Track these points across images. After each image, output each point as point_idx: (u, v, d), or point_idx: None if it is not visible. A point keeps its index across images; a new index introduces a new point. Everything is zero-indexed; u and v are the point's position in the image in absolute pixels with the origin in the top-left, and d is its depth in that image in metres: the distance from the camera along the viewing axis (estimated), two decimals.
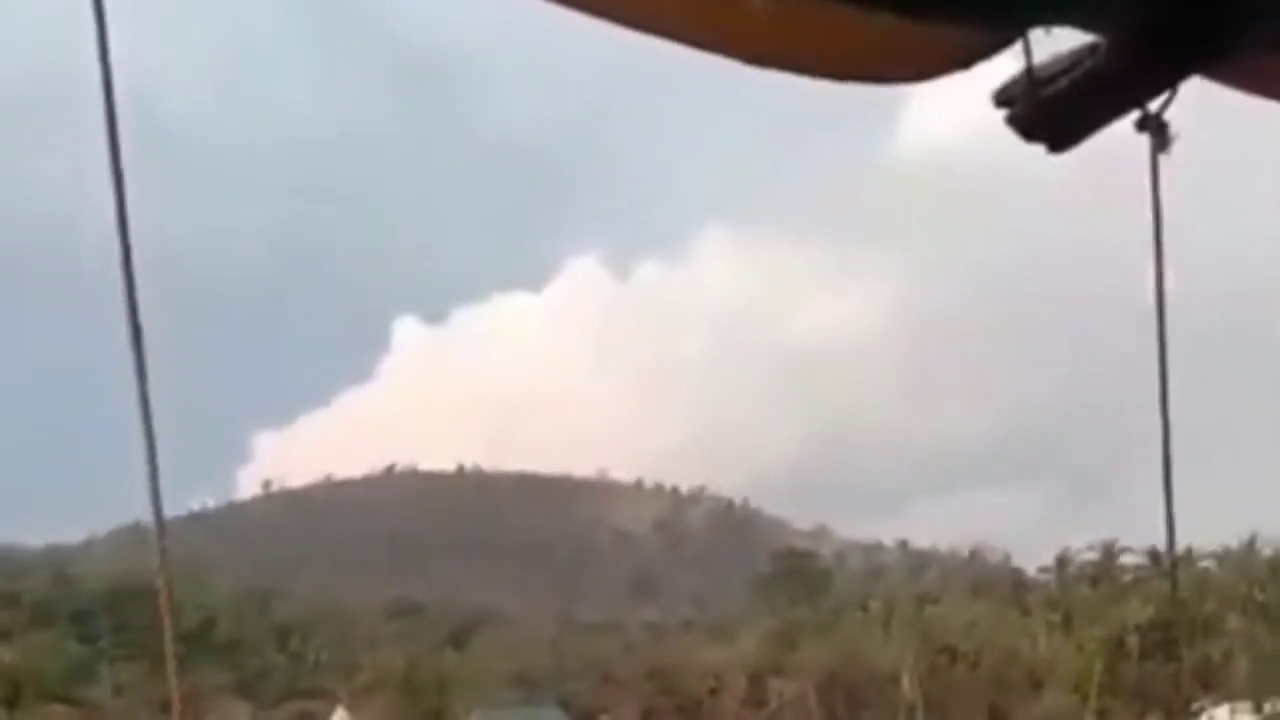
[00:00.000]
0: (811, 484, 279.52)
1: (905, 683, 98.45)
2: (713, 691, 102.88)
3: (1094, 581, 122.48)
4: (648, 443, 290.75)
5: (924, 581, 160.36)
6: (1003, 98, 4.11)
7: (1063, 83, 4.01)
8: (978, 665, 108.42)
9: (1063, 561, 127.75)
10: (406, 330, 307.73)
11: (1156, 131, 4.12)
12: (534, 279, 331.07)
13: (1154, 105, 4.12)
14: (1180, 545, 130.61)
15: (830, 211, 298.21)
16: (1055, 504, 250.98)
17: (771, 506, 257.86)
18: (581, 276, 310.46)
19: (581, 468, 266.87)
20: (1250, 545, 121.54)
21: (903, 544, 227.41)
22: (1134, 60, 3.99)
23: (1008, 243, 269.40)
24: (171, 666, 3.87)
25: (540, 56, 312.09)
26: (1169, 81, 4.09)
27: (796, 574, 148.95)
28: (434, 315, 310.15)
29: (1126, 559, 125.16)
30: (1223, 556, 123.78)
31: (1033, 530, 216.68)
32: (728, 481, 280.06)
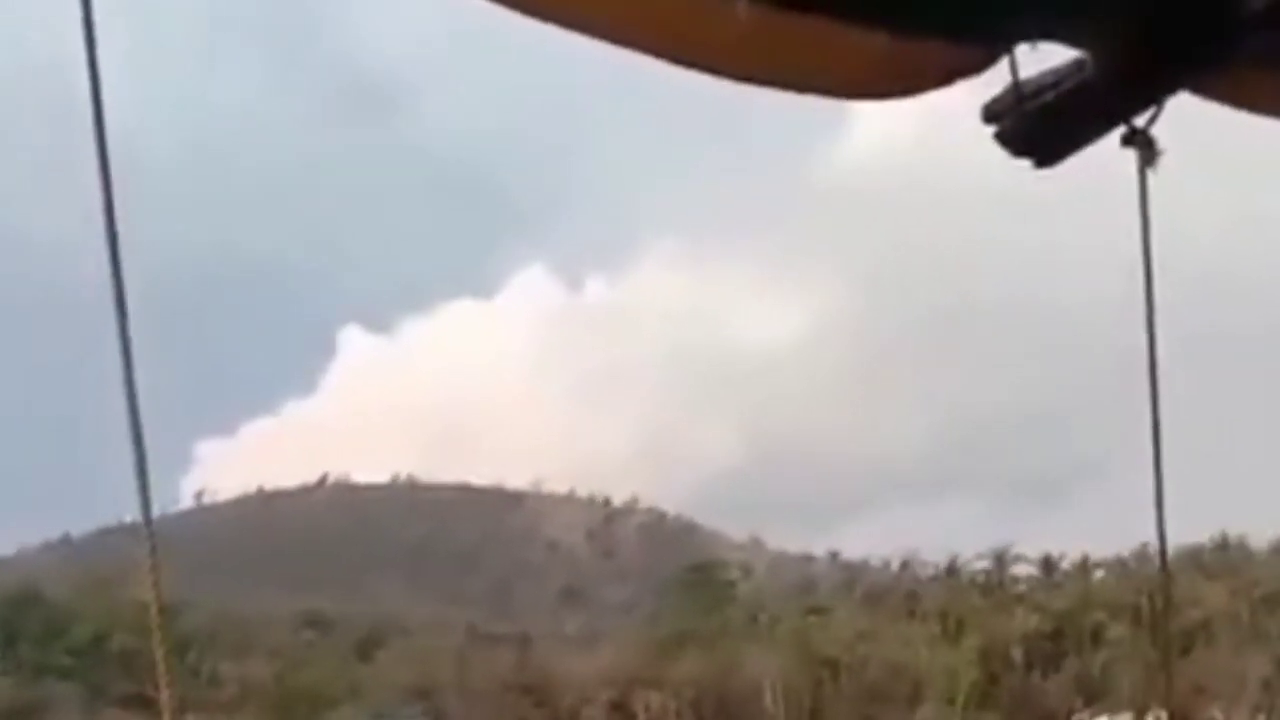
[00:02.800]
0: (750, 496, 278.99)
1: (768, 695, 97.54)
2: (586, 702, 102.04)
3: (985, 591, 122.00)
4: (587, 454, 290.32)
5: (847, 594, 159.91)
6: (990, 113, 4.13)
7: (1049, 98, 4.04)
8: (859, 677, 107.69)
9: (951, 570, 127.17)
10: (352, 340, 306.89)
11: (1143, 146, 4.15)
12: (482, 289, 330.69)
13: (1140, 120, 4.15)
14: (1077, 554, 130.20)
15: (777, 222, 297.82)
16: (997, 514, 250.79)
17: (708, 518, 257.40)
18: (529, 287, 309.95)
19: (520, 479, 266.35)
20: (1142, 554, 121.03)
21: (834, 556, 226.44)
22: (1120, 76, 4.00)
23: (953, 252, 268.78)
24: (164, 677, 3.78)
25: (487, 70, 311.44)
26: (1155, 97, 4.12)
27: (705, 586, 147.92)
28: (380, 325, 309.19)
29: (1019, 569, 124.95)
30: (1116, 565, 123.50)
31: (973, 540, 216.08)
32: (667, 493, 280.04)
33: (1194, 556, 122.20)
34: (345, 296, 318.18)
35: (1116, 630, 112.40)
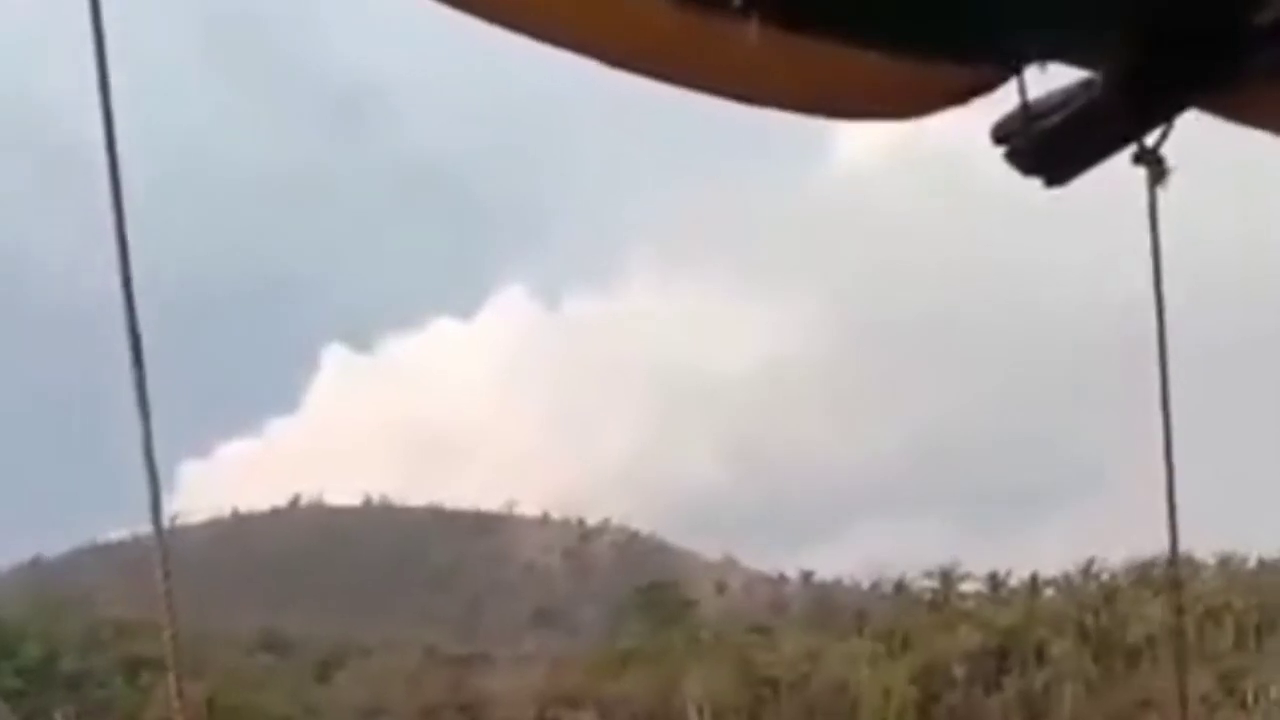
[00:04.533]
0: (728, 515, 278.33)
1: (693, 714, 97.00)
2: None
3: (933, 608, 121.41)
4: (565, 474, 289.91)
5: (799, 613, 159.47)
6: (1000, 134, 4.16)
7: (1058, 118, 4.07)
8: (797, 696, 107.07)
9: (900, 588, 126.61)
10: (335, 358, 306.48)
11: (1152, 165, 4.16)
12: (463, 308, 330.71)
13: (1150, 139, 4.17)
14: (1024, 572, 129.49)
15: (756, 240, 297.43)
16: (975, 532, 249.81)
17: (685, 538, 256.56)
18: (510, 305, 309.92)
19: (499, 498, 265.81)
20: (1086, 572, 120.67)
21: (806, 576, 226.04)
22: (1128, 95, 4.03)
23: (932, 269, 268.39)
24: (174, 688, 3.82)
25: (465, 88, 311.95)
26: (1164, 116, 4.15)
27: (660, 605, 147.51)
28: (363, 343, 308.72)
29: (966, 586, 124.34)
30: (1063, 583, 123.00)
31: (949, 559, 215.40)
32: (645, 512, 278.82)
33: (1143, 571, 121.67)
34: (330, 314, 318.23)
35: (1060, 647, 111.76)
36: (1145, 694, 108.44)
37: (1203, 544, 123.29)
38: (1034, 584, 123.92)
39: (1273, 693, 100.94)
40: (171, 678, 3.82)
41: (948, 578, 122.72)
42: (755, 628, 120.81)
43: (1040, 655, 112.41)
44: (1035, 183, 4.27)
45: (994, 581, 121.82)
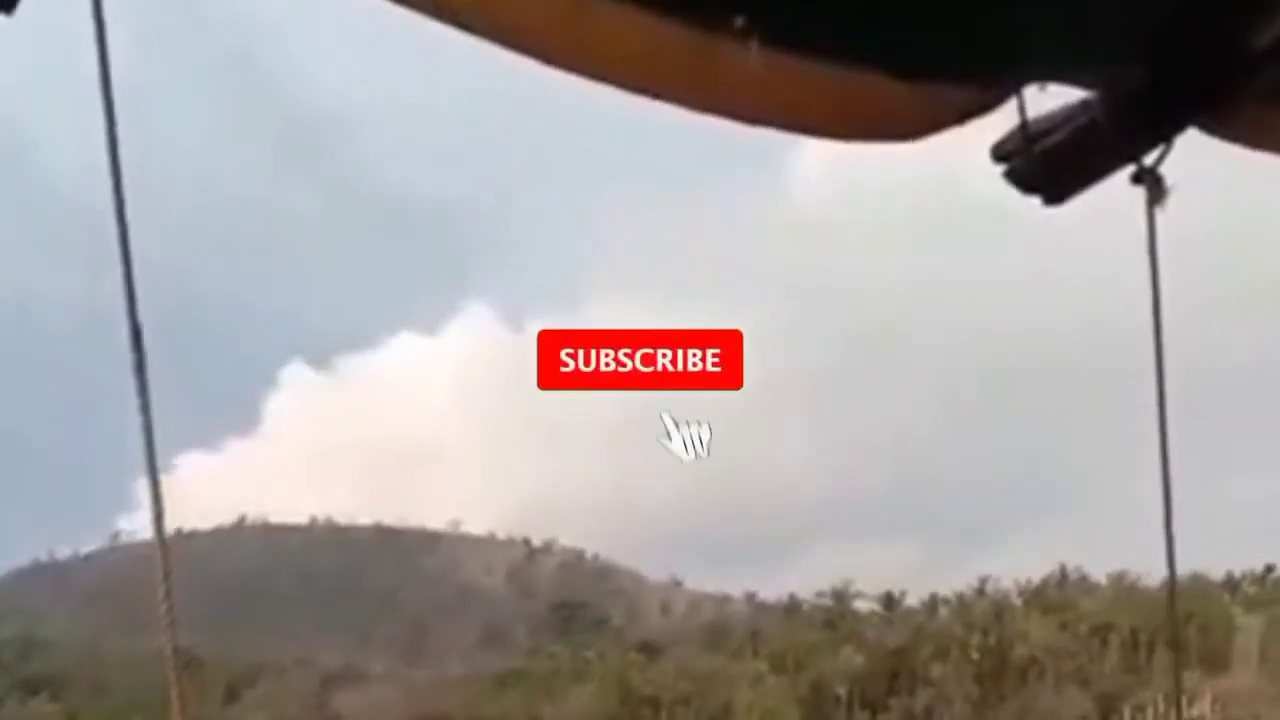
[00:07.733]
0: (683, 537, 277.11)
1: None
2: None
3: (827, 626, 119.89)
4: (519, 494, 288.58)
5: (703, 632, 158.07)
6: (1000, 153, 4.17)
7: (1058, 138, 4.09)
8: (675, 716, 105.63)
9: (790, 609, 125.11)
10: (296, 377, 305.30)
11: (1152, 185, 4.15)
12: (427, 326, 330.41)
13: (1149, 159, 4.14)
14: (925, 591, 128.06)
15: (723, 259, 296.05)
16: (931, 556, 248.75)
17: (635, 560, 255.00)
18: (475, 324, 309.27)
19: (447, 518, 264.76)
20: (981, 591, 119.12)
21: (750, 596, 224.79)
22: (1127, 115, 4.04)
23: (897, 290, 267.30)
24: (176, 700, 3.78)
25: (431, 110, 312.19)
26: (1163, 135, 4.14)
27: (574, 622, 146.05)
28: (323, 362, 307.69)
29: (859, 604, 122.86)
30: (955, 602, 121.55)
31: (903, 582, 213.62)
32: (597, 533, 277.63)
33: (1036, 592, 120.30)
34: (290, 333, 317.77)
35: (945, 668, 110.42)
36: (1028, 714, 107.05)
37: (1105, 564, 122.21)
38: (933, 604, 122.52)
39: (1149, 714, 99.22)
40: (174, 694, 3.62)
41: (842, 596, 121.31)
42: (643, 646, 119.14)
43: (926, 676, 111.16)
44: (1021, 202, 4.15)
45: (888, 600, 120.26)
